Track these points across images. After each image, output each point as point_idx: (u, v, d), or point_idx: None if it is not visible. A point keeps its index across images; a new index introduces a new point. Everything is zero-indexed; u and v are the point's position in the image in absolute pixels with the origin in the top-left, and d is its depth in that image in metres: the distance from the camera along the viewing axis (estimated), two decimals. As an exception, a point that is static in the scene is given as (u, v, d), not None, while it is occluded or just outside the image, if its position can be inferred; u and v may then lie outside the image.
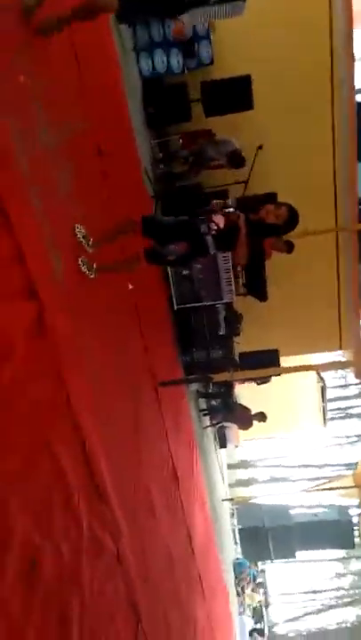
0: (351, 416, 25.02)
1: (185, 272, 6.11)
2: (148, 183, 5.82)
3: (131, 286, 4.19)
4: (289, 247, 6.31)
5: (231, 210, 3.78)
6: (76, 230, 3.03)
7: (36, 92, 2.72)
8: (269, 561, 13.21)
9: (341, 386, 24.48)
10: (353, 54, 7.02)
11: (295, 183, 6.95)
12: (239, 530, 12.23)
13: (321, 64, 7.21)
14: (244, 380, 8.53)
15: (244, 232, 3.59)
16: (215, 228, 3.64)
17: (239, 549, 12.45)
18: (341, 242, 8.09)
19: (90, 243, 3.11)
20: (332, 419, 22.03)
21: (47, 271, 2.51)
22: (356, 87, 7.53)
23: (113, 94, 4.76)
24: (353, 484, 10.41)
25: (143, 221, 3.67)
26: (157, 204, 6.06)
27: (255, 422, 8.24)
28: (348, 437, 25.53)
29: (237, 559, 11.71)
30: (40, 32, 2.75)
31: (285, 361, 8.48)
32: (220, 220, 3.67)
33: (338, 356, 14.10)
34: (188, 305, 6.37)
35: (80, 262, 3.03)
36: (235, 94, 6.31)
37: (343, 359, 10.17)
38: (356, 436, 25.17)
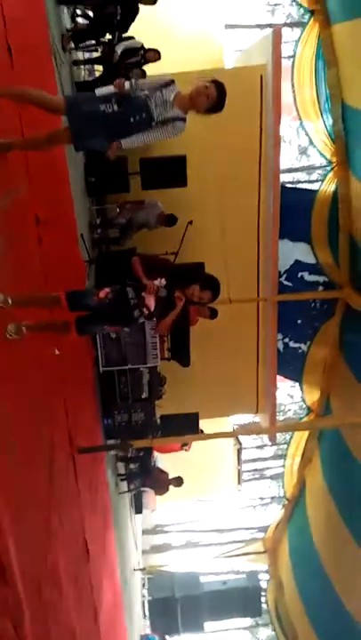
0: (266, 477, 25.37)
1: (113, 335, 6.19)
2: (83, 248, 5.94)
3: (57, 352, 4.21)
4: (212, 314, 6.63)
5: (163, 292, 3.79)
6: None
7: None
8: (177, 635, 12.73)
9: (258, 446, 24.92)
10: (279, 139, 7.74)
11: (222, 255, 7.36)
12: (149, 601, 11.78)
13: (250, 148, 7.80)
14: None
15: (177, 311, 3.78)
16: (147, 312, 3.73)
17: (148, 623, 11.96)
18: (262, 311, 8.55)
19: (9, 302, 3.00)
20: (247, 480, 22.28)
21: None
22: (282, 167, 8.24)
23: (55, 164, 4.92)
24: (263, 550, 10.47)
25: (68, 298, 3.57)
26: (91, 268, 6.18)
27: (171, 487, 8.22)
28: (261, 499, 25.80)
29: (145, 635, 11.21)
30: None
31: (205, 423, 8.65)
32: (150, 303, 3.74)
33: (254, 418, 14.55)
34: (113, 367, 6.41)
35: (7, 332, 3.04)
36: (171, 171, 6.71)
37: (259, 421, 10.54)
38: (270, 497, 25.48)
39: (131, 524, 9.28)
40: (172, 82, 3.24)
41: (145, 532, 16.01)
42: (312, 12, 6.73)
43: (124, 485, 8.62)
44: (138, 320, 3.72)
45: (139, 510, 9.84)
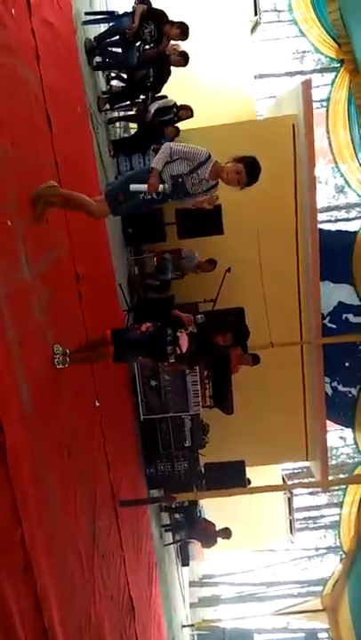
0: (320, 527, 24.15)
1: (153, 383, 6.20)
2: (121, 297, 6.07)
3: (98, 403, 4.24)
4: (255, 360, 6.55)
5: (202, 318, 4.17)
6: (55, 349, 3.26)
7: (21, 230, 2.94)
8: None
9: (310, 493, 23.87)
10: (315, 184, 7.79)
11: (262, 299, 7.34)
12: (199, 660, 11.22)
13: (285, 193, 7.89)
14: None
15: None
16: (178, 352, 3.91)
17: None
18: (307, 354, 8.38)
19: (68, 356, 3.37)
20: (300, 529, 21.27)
21: (14, 401, 2.57)
22: (319, 206, 8.25)
23: (94, 221, 5.11)
24: (321, 607, 9.85)
25: (113, 335, 3.88)
26: (129, 316, 6.28)
27: (220, 539, 7.94)
28: (316, 550, 24.50)
29: None
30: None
31: (252, 470, 8.39)
32: (184, 343, 3.92)
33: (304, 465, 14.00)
34: (154, 416, 6.38)
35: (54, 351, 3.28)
36: (207, 220, 6.83)
37: (309, 468, 10.12)
38: (325, 548, 24.17)
39: (177, 577, 8.97)
40: (208, 158, 3.31)
41: (192, 583, 15.45)
42: (342, 61, 6.90)
43: (169, 537, 8.39)
44: (169, 356, 3.92)
45: (185, 563, 9.51)
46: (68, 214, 3.88)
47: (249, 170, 3.27)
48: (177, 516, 8.61)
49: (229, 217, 7.11)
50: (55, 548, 2.83)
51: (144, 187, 3.28)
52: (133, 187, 3.30)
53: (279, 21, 17.68)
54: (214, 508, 10.26)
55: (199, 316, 4.16)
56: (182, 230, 7.01)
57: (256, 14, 9.90)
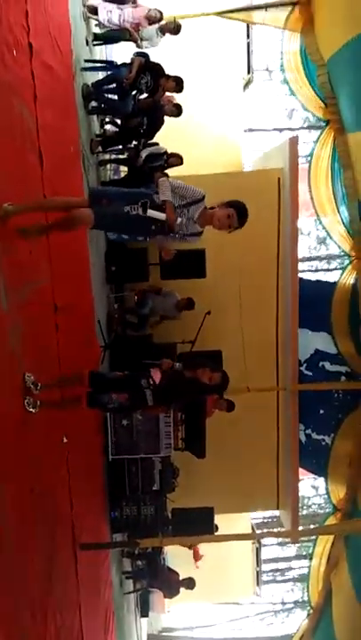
0: (288, 580, 23.52)
1: (125, 422, 6.12)
2: (99, 333, 6.06)
3: (65, 440, 4.16)
4: (230, 406, 6.55)
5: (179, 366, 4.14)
6: (26, 377, 3.19)
7: (1, 261, 2.96)
8: None
9: (279, 544, 23.34)
10: (297, 235, 8.02)
11: (240, 344, 7.40)
12: None
13: (268, 243, 8.11)
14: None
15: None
16: (152, 383, 3.87)
17: None
18: (282, 401, 8.40)
19: (38, 388, 3.27)
20: (267, 582, 20.67)
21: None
22: (301, 256, 8.41)
23: (77, 253, 5.17)
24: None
25: (91, 376, 3.89)
26: (106, 353, 6.26)
27: (182, 589, 7.67)
28: (283, 604, 23.77)
29: None
30: (21, 233, 3.14)
31: (221, 517, 8.22)
32: (156, 376, 3.91)
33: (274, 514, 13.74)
34: (123, 456, 6.27)
35: (26, 403, 3.20)
36: (190, 263, 6.95)
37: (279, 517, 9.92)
38: (292, 602, 23.48)
39: (135, 628, 8.57)
40: (202, 199, 3.34)
41: (151, 637, 14.76)
42: (327, 121, 7.24)
43: (129, 584, 8.09)
44: (144, 390, 3.87)
45: (145, 614, 9.09)
46: (51, 245, 3.92)
47: (240, 213, 3.31)
48: (139, 563, 8.33)
49: (212, 261, 7.27)
50: (6, 588, 2.70)
51: (163, 216, 3.23)
52: (151, 212, 3.22)
53: (270, 80, 18.56)
54: (179, 557, 9.97)
55: (177, 364, 4.14)
56: (165, 271, 7.13)
57: (249, 73, 10.41)
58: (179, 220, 3.28)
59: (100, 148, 6.49)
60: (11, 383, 3.04)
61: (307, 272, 17.48)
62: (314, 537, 8.28)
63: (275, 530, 16.90)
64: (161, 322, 7.47)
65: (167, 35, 6.35)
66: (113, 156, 7.25)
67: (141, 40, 6.13)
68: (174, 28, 6.34)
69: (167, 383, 3.90)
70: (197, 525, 6.89)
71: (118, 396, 4.00)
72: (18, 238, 3.19)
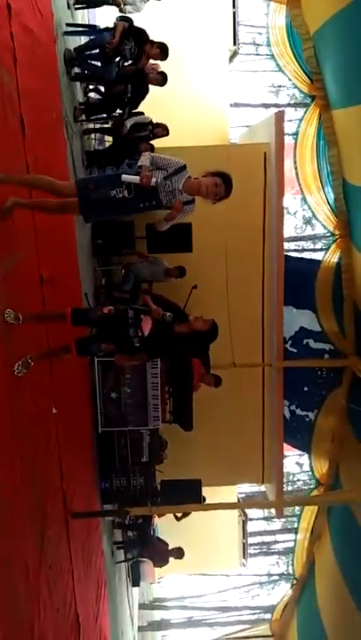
0: (274, 552, 24.10)
1: (114, 395, 6.15)
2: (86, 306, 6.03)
3: (55, 410, 4.17)
4: (217, 381, 6.60)
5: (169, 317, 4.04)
6: (5, 315, 3.15)
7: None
8: None
9: (265, 518, 23.85)
10: (282, 212, 8.01)
11: (227, 319, 7.41)
12: None
13: (254, 219, 8.07)
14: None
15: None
16: (140, 334, 3.80)
17: None
18: (267, 377, 8.48)
19: (20, 319, 3.24)
20: (254, 555, 21.16)
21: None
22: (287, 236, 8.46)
23: (63, 226, 5.10)
24: (270, 633, 9.77)
25: (73, 312, 3.79)
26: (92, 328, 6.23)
27: (172, 559, 7.82)
28: (269, 576, 24.40)
29: None
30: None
31: (208, 490, 8.36)
32: (147, 327, 3.84)
33: (260, 486, 13.99)
34: (113, 428, 6.31)
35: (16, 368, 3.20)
36: (176, 237, 6.90)
37: (265, 493, 10.13)
38: (277, 575, 24.11)
39: (127, 598, 8.75)
40: (184, 168, 3.35)
41: (142, 606, 15.06)
42: (313, 97, 7.19)
43: (120, 554, 8.22)
44: (132, 340, 3.79)
45: (136, 583, 9.28)
46: (35, 217, 3.87)
47: (226, 182, 3.34)
48: (130, 533, 8.45)
49: (199, 236, 7.22)
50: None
51: (136, 178, 3.23)
52: (125, 177, 3.24)
53: (257, 54, 18.33)
54: (168, 528, 10.13)
55: (168, 314, 4.04)
56: (152, 245, 7.08)
57: (235, 44, 10.24)
58: (153, 180, 3.27)
59: (83, 117, 6.37)
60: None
61: (293, 252, 17.57)
62: (299, 512, 8.47)
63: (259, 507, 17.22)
64: (150, 289, 7.43)
65: (151, 0, 6.21)
66: (97, 126, 7.13)
67: (124, 4, 5.98)
68: (158, -6, 6.20)
69: (156, 334, 3.84)
70: (185, 497, 6.97)
71: (107, 346, 4.06)
72: None
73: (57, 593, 3.83)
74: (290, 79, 7.81)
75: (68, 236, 5.35)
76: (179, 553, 7.82)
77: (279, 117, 7.69)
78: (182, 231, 6.97)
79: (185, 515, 7.76)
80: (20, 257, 3.59)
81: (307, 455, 8.81)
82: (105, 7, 6.43)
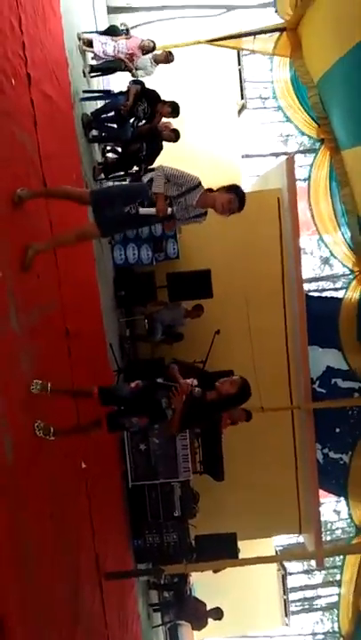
0: (317, 609, 22.73)
1: (142, 447, 6.03)
2: (112, 357, 6.04)
3: (84, 465, 4.10)
4: (247, 415, 6.38)
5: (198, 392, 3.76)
6: (32, 386, 3.10)
7: (9, 282, 2.97)
8: None
9: (305, 571, 22.65)
10: (300, 253, 8.07)
11: (251, 363, 7.32)
12: None
13: (272, 262, 8.17)
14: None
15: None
16: (173, 405, 3.64)
17: None
18: (297, 420, 8.28)
19: (48, 390, 3.17)
20: (296, 612, 19.98)
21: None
22: (305, 277, 8.48)
23: (86, 281, 5.19)
24: None
25: (100, 392, 3.67)
26: (120, 377, 6.22)
27: (210, 620, 7.40)
28: (313, 635, 22.91)
29: None
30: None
31: (243, 545, 8.01)
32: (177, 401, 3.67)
33: (298, 537, 13.36)
34: (143, 482, 6.15)
35: (36, 427, 3.08)
36: (196, 284, 6.99)
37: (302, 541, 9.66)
38: (322, 633, 22.63)
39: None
40: (199, 185, 3.38)
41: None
42: (322, 141, 7.38)
43: (157, 617, 7.82)
44: (165, 412, 3.65)
45: (175, 648, 8.79)
46: (59, 270, 3.94)
47: (240, 198, 3.37)
48: (166, 594, 8.07)
49: (219, 281, 7.29)
50: (32, 619, 2.61)
51: (152, 210, 3.30)
52: (143, 210, 3.34)
53: (264, 108, 19.02)
54: (205, 587, 9.69)
55: (196, 389, 3.72)
56: (173, 293, 7.16)
57: (242, 98, 10.66)
58: (169, 210, 3.33)
59: (102, 175, 6.62)
60: (24, 407, 2.99)
61: (313, 292, 17.54)
62: (341, 563, 8.04)
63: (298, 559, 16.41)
64: (180, 338, 7.43)
65: (160, 64, 6.55)
66: (116, 183, 7.39)
67: (136, 69, 6.32)
68: (166, 58, 6.54)
69: (188, 409, 3.64)
70: (221, 551, 6.70)
71: (139, 420, 3.84)
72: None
73: (93, 661, 3.63)
74: (297, 128, 8.07)
75: (92, 288, 5.43)
76: (218, 613, 7.41)
77: (290, 162, 7.91)
78: (202, 277, 7.06)
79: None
80: (46, 310, 3.64)
81: (344, 501, 8.44)
82: (118, 73, 6.79)
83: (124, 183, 3.45)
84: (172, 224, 3.58)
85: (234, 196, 3.35)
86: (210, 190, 3.41)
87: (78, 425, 3.86)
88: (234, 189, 3.38)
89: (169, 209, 3.33)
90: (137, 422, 3.84)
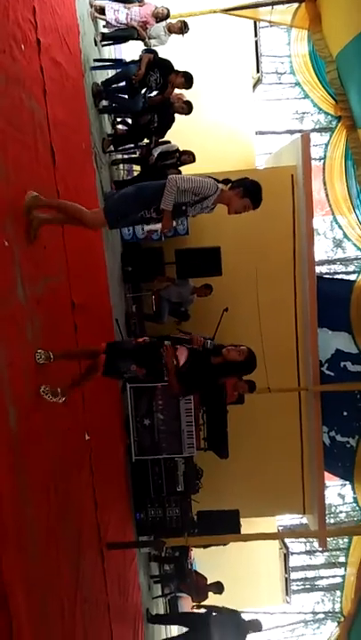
0: (318, 589, 23.01)
1: (147, 422, 6.06)
2: (117, 333, 6.03)
3: (88, 437, 4.11)
4: (251, 386, 6.34)
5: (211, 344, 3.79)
6: (36, 355, 3.09)
7: (16, 251, 2.94)
8: None
9: (307, 552, 22.89)
10: (313, 233, 7.94)
11: (259, 343, 7.26)
12: None
13: (284, 241, 8.05)
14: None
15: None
16: (175, 363, 3.64)
17: None
18: (304, 402, 8.25)
19: (51, 358, 3.16)
20: (297, 591, 20.25)
21: (1, 425, 2.48)
22: (317, 259, 8.36)
23: (93, 255, 5.15)
24: None
25: (108, 345, 3.66)
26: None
27: (211, 594, 7.51)
28: (314, 614, 23.25)
29: None
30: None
31: (246, 522, 8.08)
32: (182, 356, 3.68)
33: (301, 518, 13.47)
34: (146, 457, 6.19)
35: (42, 392, 3.08)
36: (206, 261, 6.91)
37: (306, 522, 9.75)
38: (323, 612, 22.93)
39: (165, 633, 8.42)
40: (216, 192, 3.26)
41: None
42: (339, 118, 7.20)
43: (157, 589, 7.96)
44: (163, 372, 3.64)
45: (175, 619, 8.95)
46: (66, 242, 3.90)
47: (255, 200, 3.30)
48: (167, 567, 8.20)
49: (228, 259, 7.20)
50: (34, 586, 2.64)
51: (158, 226, 3.32)
52: (148, 228, 3.40)
53: (280, 83, 18.57)
54: (206, 562, 9.81)
55: (209, 341, 3.78)
56: (182, 270, 7.08)
57: (258, 72, 10.40)
58: (174, 223, 3.36)
59: (111, 147, 6.51)
60: (29, 377, 2.99)
61: (325, 275, 17.35)
62: (343, 546, 8.10)
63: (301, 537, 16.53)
64: (187, 318, 7.41)
65: (174, 34, 6.38)
66: (125, 156, 7.28)
67: (149, 38, 6.15)
68: (180, 29, 6.37)
69: (191, 367, 3.66)
70: (223, 527, 6.75)
71: (138, 368, 3.77)
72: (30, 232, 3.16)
73: (92, 628, 3.69)
74: (315, 104, 7.89)
75: (99, 262, 5.39)
76: (218, 588, 7.51)
77: (306, 139, 7.73)
78: (212, 254, 6.98)
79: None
80: (52, 281, 3.61)
81: (349, 485, 8.46)
82: (131, 42, 6.63)
83: (140, 185, 3.27)
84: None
85: (249, 202, 3.29)
86: (225, 182, 3.34)
87: (77, 378, 3.73)
88: (250, 192, 3.29)
89: (173, 222, 3.32)
90: (134, 370, 3.77)
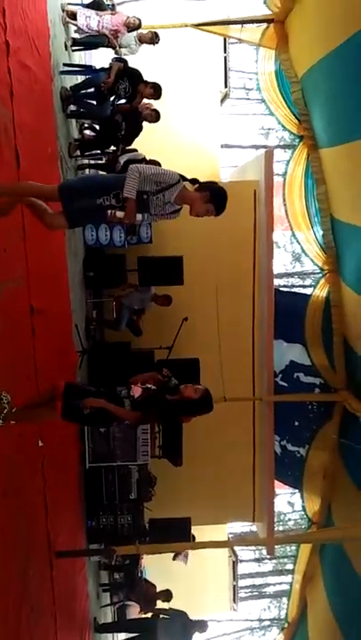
0: (265, 596, 23.31)
1: (102, 430, 6.03)
2: (77, 338, 5.99)
3: (41, 443, 4.07)
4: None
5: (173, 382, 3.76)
6: (2, 396, 3.05)
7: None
8: None
9: (256, 559, 23.17)
10: (272, 247, 8.13)
11: (217, 352, 7.38)
12: None
13: (244, 254, 8.19)
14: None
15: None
16: (131, 394, 3.60)
17: None
18: (258, 411, 8.39)
19: (13, 410, 3.10)
20: (245, 598, 20.44)
21: None
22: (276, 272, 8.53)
23: (55, 259, 5.11)
24: None
25: (66, 387, 3.55)
26: (83, 358, 6.19)
27: (159, 602, 7.51)
28: (260, 621, 23.52)
29: None
30: None
31: (198, 529, 8.14)
32: (137, 392, 3.63)
33: (251, 526, 13.63)
34: (100, 464, 6.16)
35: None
36: (168, 270, 6.97)
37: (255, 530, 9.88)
38: (269, 619, 23.24)
39: (112, 645, 8.36)
40: (177, 182, 3.23)
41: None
42: (301, 137, 7.42)
43: (106, 597, 7.89)
44: (122, 399, 3.58)
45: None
46: (27, 246, 3.87)
47: (218, 207, 3.31)
48: (117, 575, 8.13)
49: (190, 269, 7.29)
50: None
51: (121, 214, 3.18)
52: (110, 217, 3.20)
53: (248, 99, 18.96)
54: (156, 571, 9.78)
55: (174, 381, 3.73)
56: (144, 278, 7.11)
57: (226, 87, 10.58)
58: (139, 217, 3.23)
59: (78, 152, 6.49)
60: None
61: (283, 288, 17.73)
62: (291, 554, 8.27)
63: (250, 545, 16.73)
64: (143, 312, 7.43)
65: (145, 44, 6.44)
66: (92, 162, 7.25)
67: (120, 47, 6.19)
68: (151, 39, 6.44)
69: (146, 399, 3.61)
70: (174, 536, 6.79)
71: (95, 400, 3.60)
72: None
73: (38, 636, 3.64)
74: (279, 122, 8.09)
75: (60, 266, 5.36)
76: (166, 595, 7.52)
77: (269, 155, 7.92)
78: (174, 263, 7.05)
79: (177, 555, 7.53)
80: (11, 285, 3.57)
81: (298, 493, 8.64)
82: (101, 49, 6.64)
83: (100, 174, 3.16)
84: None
85: (212, 208, 3.29)
86: (193, 181, 3.32)
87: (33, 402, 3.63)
88: (215, 198, 3.29)
89: (139, 216, 3.23)
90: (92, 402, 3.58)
